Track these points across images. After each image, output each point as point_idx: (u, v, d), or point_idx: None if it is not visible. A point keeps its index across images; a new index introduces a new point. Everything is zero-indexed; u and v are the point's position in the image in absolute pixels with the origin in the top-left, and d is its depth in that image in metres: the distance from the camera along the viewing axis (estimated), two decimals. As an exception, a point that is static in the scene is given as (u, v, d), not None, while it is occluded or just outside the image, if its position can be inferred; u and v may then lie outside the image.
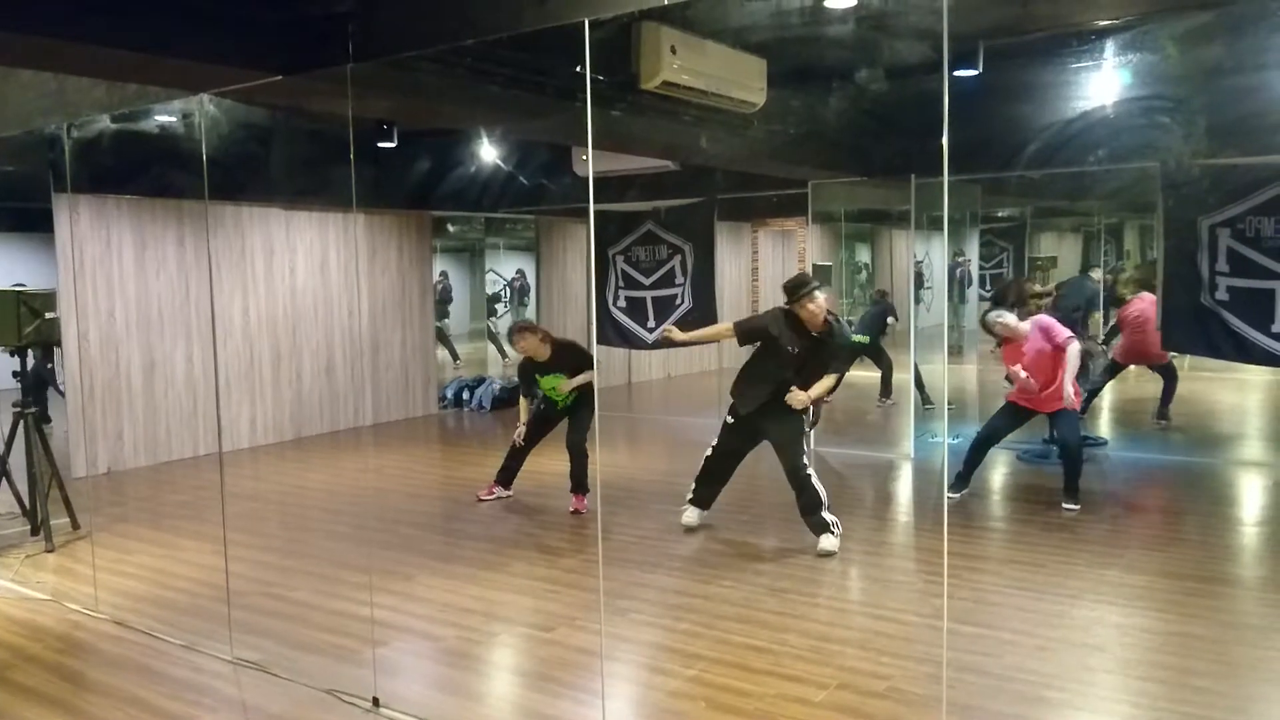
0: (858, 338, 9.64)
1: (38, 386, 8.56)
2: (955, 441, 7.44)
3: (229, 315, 8.74)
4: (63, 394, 8.90)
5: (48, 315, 5.72)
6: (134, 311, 8.05)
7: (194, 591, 4.97)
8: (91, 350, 7.77)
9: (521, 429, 6.50)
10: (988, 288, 11.38)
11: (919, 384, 9.11)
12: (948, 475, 6.72)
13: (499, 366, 12.59)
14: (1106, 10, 4.96)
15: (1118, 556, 5.22)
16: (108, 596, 4.87)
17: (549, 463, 6.39)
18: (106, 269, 7.87)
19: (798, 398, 5.33)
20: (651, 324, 8.43)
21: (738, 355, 6.18)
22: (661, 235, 8.35)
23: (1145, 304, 8.12)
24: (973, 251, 10.67)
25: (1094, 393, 8.31)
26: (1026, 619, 4.34)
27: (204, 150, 4.63)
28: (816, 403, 5.60)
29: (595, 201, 4.67)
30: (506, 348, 12.90)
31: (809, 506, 5.36)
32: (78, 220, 7.63)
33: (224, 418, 8.70)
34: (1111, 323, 8.53)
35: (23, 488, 6.05)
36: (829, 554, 5.24)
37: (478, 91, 5.20)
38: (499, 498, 6.64)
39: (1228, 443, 8.53)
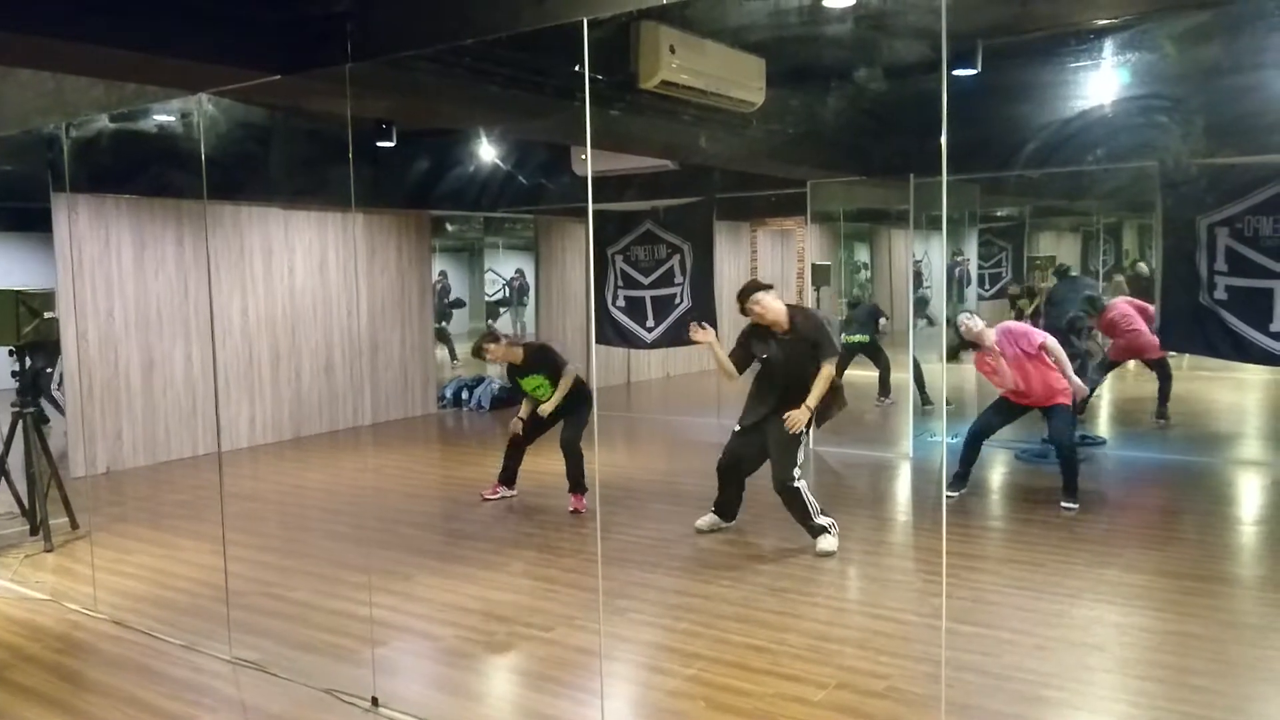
0: (856, 337, 9.65)
1: (36, 388, 8.56)
2: (954, 441, 7.44)
3: (228, 315, 8.74)
4: (56, 405, 8.91)
5: (46, 315, 5.72)
6: (133, 311, 8.04)
7: (193, 591, 4.97)
8: (90, 350, 7.76)
9: (517, 421, 6.52)
10: (986, 287, 11.38)
11: (919, 382, 9.12)
12: (946, 474, 6.72)
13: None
14: (1105, 10, 4.96)
15: (1116, 555, 5.22)
16: (107, 596, 4.87)
17: (549, 463, 6.39)
18: (105, 268, 7.87)
19: (794, 419, 5.23)
20: (650, 323, 8.43)
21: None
22: (660, 235, 8.35)
23: (1123, 305, 8.28)
24: (971, 251, 10.68)
25: (1090, 391, 8.31)
26: (1025, 618, 4.35)
27: (203, 150, 4.63)
28: (827, 407, 5.43)
29: (594, 201, 4.68)
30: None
31: (799, 519, 5.35)
32: (76, 220, 7.62)
33: (223, 417, 8.70)
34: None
35: (22, 488, 6.06)
36: (828, 554, 5.25)
37: (476, 91, 5.20)
38: (503, 497, 6.65)
39: (1226, 442, 8.53)
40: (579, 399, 6.35)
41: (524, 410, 6.54)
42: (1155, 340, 8.20)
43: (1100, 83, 6.36)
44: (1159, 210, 6.28)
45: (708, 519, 5.80)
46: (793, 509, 5.34)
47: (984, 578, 4.89)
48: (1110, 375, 8.79)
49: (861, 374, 9.90)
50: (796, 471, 5.29)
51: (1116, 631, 4.23)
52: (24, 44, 3.70)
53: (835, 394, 5.46)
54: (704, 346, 5.60)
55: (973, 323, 6.23)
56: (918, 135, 6.66)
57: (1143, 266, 11.58)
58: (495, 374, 11.72)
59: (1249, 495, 6.81)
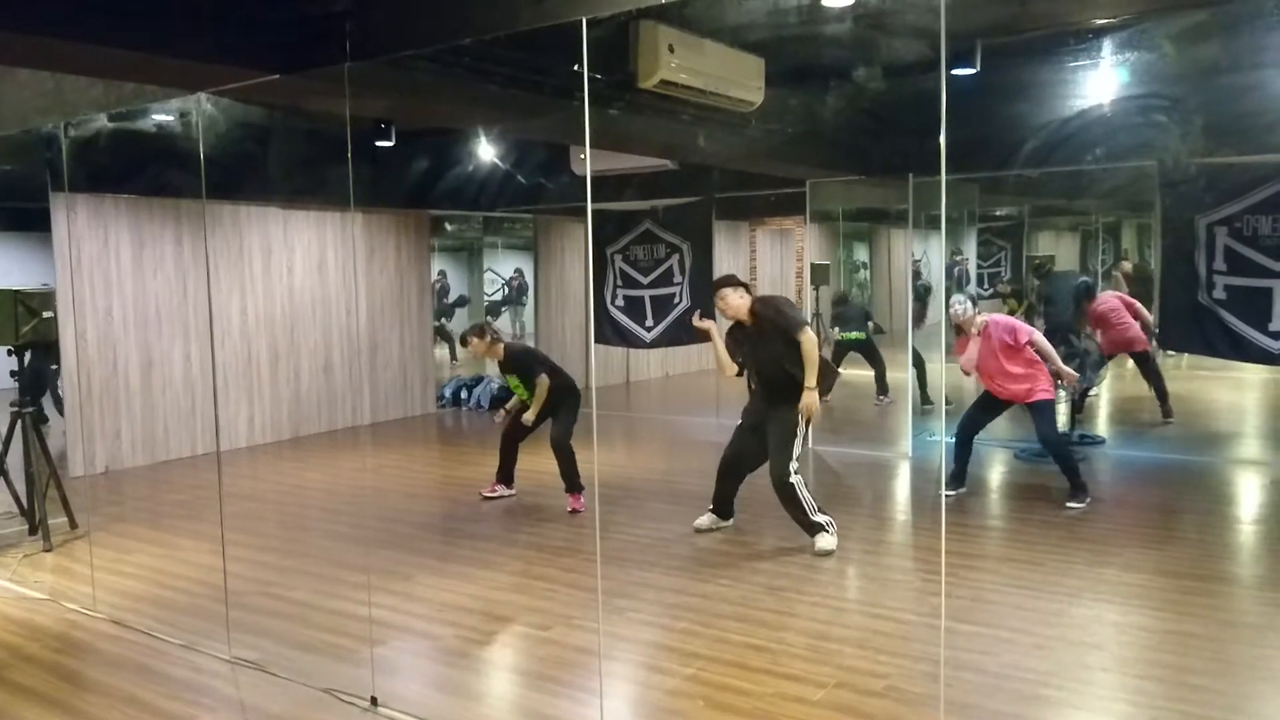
0: (852, 335, 9.66)
1: (36, 387, 8.56)
2: (954, 440, 7.44)
3: (227, 314, 8.74)
4: (62, 402, 8.89)
5: (45, 314, 5.72)
6: (132, 310, 8.04)
7: (192, 591, 4.97)
8: (89, 349, 7.76)
9: (503, 412, 6.58)
10: (985, 286, 11.39)
11: (921, 380, 9.13)
12: (945, 474, 6.73)
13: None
14: (1104, 9, 4.96)
15: (1115, 555, 5.22)
16: (106, 596, 4.87)
17: (547, 462, 6.39)
18: (104, 268, 7.87)
19: (808, 406, 5.21)
20: (649, 323, 8.44)
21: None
22: (659, 234, 8.35)
23: (1113, 299, 8.35)
24: (970, 250, 10.67)
25: (1087, 389, 8.32)
26: (1024, 617, 4.35)
27: (201, 149, 4.63)
28: (822, 376, 5.33)
29: (593, 200, 4.68)
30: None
31: (795, 516, 5.36)
32: (75, 219, 7.62)
33: (222, 417, 8.70)
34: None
35: (21, 487, 6.05)
36: (827, 552, 5.25)
37: (475, 90, 5.20)
38: (502, 496, 6.65)
39: (1225, 441, 8.53)
40: (565, 397, 6.36)
41: (511, 403, 6.60)
42: (1141, 335, 8.25)
43: (1099, 82, 6.36)
44: (1158, 209, 6.30)
45: (706, 518, 5.80)
46: (789, 506, 5.34)
47: (983, 577, 4.89)
48: (1110, 375, 8.79)
49: (859, 373, 9.90)
50: (793, 466, 5.29)
51: (1115, 630, 4.23)
52: (23, 43, 3.70)
53: (825, 365, 5.42)
54: (705, 346, 5.61)
55: (962, 308, 6.21)
56: (917, 134, 6.67)
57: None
58: (494, 373, 11.72)
59: (1248, 494, 6.81)
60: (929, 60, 5.39)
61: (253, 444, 8.96)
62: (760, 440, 5.46)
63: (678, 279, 8.26)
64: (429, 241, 10.75)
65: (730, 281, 5.49)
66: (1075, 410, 8.16)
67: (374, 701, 3.63)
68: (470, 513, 6.47)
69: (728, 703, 3.59)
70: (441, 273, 13.10)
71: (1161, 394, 8.59)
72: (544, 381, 6.23)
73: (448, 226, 12.85)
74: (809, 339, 5.21)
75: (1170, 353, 9.51)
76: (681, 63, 4.96)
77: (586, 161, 3.81)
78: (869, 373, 9.88)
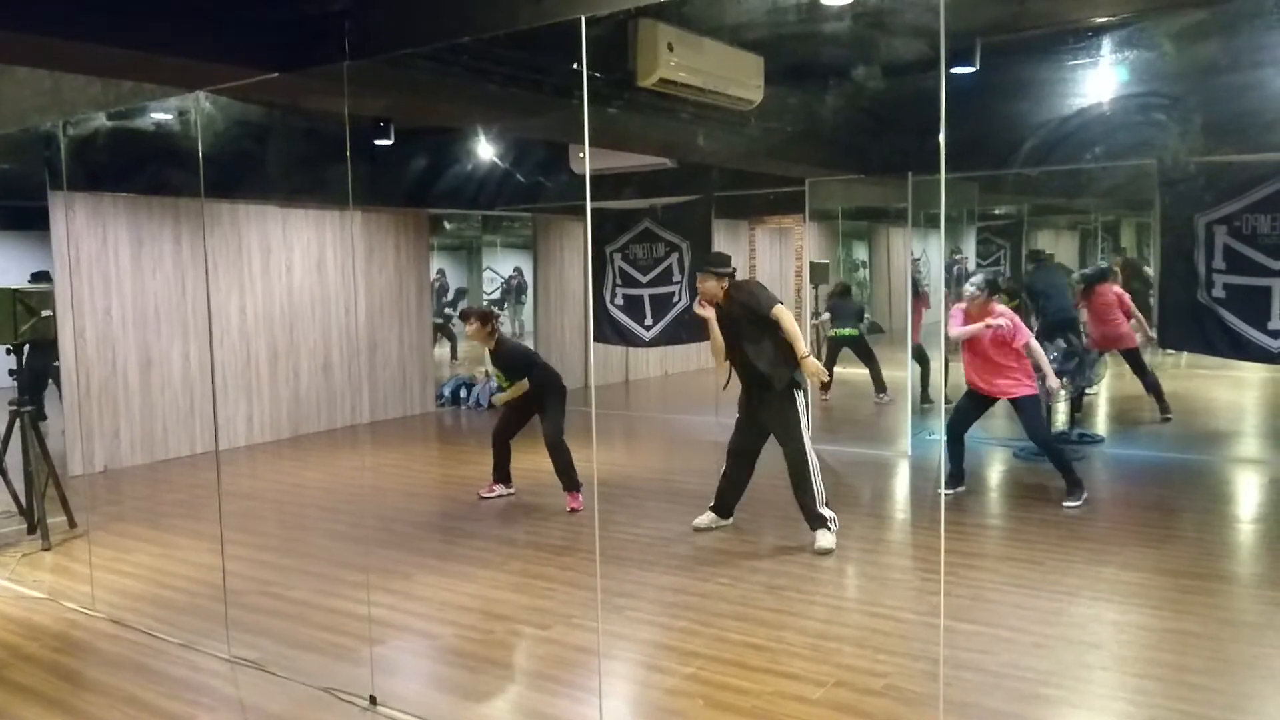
0: (846, 330, 9.66)
1: (36, 384, 8.55)
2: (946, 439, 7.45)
3: (226, 313, 8.74)
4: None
5: (44, 313, 5.72)
6: (130, 309, 8.04)
7: (191, 590, 4.97)
8: (88, 348, 7.76)
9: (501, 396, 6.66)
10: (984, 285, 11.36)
11: (924, 379, 9.12)
12: (943, 474, 6.73)
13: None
14: (1103, 7, 4.97)
15: (1114, 553, 5.22)
16: (105, 595, 4.87)
17: (546, 461, 6.39)
18: (103, 267, 7.86)
19: (810, 370, 5.29)
20: (649, 321, 8.44)
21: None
22: (659, 233, 8.35)
23: (1109, 293, 8.30)
24: (970, 249, 10.67)
25: (1084, 389, 8.31)
26: (1023, 616, 4.35)
27: (200, 148, 4.62)
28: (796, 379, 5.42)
29: (592, 199, 4.67)
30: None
31: (802, 501, 5.37)
32: (74, 218, 7.61)
33: (221, 416, 8.69)
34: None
35: (20, 486, 6.05)
36: (826, 551, 5.25)
37: (475, 89, 5.19)
38: (500, 496, 6.65)
39: (1224, 440, 8.54)
40: (549, 391, 6.39)
41: (499, 398, 6.67)
42: (1131, 333, 8.25)
43: (1098, 80, 6.36)
44: (1157, 208, 6.29)
45: (706, 517, 5.80)
46: (799, 489, 5.35)
47: (982, 575, 4.89)
48: (1108, 374, 8.78)
49: (857, 372, 9.90)
50: (807, 438, 5.33)
51: (1114, 629, 4.23)
52: (22, 42, 3.70)
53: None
54: (704, 345, 5.64)
55: (980, 293, 6.19)
56: (916, 133, 6.68)
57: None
58: (494, 373, 11.72)
59: (1247, 493, 6.82)
60: (928, 59, 5.39)
61: (252, 443, 8.96)
62: (758, 423, 5.54)
63: (677, 278, 8.25)
64: (428, 240, 10.74)
65: (711, 262, 5.57)
66: (1074, 409, 8.16)
67: (373, 701, 3.63)
68: (469, 512, 6.47)
69: (727, 701, 3.59)
70: (440, 271, 13.09)
71: (1157, 392, 8.58)
72: (523, 385, 6.36)
73: (447, 225, 12.84)
74: (783, 311, 5.31)
75: (1169, 351, 9.51)
76: (681, 61, 4.95)
77: (586, 160, 3.81)
78: (866, 371, 9.88)
